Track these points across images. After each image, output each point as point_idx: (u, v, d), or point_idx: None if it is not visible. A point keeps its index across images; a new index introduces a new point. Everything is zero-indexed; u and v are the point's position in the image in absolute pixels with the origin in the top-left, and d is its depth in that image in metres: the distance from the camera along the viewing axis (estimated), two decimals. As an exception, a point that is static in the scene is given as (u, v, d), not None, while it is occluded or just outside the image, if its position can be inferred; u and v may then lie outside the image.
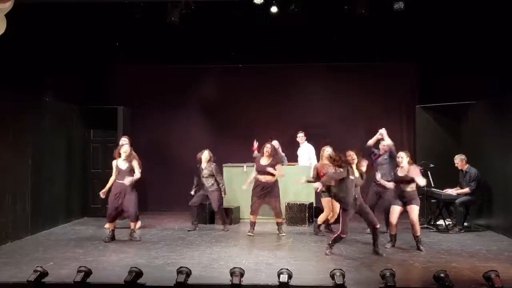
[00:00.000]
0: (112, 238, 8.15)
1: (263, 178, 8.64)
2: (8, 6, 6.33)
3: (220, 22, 11.36)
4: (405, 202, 7.50)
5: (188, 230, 9.00)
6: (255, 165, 8.83)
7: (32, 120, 8.68)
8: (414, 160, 8.05)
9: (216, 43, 11.84)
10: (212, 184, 9.11)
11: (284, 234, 8.65)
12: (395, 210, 7.54)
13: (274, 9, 10.33)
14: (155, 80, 11.96)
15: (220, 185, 9.14)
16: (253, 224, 8.75)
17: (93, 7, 9.87)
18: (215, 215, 9.55)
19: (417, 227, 7.48)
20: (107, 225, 9.24)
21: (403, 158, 7.57)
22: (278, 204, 8.71)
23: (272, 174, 8.62)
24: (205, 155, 9.15)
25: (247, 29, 11.37)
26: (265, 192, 8.59)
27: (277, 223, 8.79)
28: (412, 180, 7.45)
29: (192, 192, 9.22)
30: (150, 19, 10.41)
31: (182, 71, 12.03)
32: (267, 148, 8.71)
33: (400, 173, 7.57)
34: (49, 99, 9.30)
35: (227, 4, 10.18)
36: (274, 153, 8.77)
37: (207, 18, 10.98)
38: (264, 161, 8.70)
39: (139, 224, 8.96)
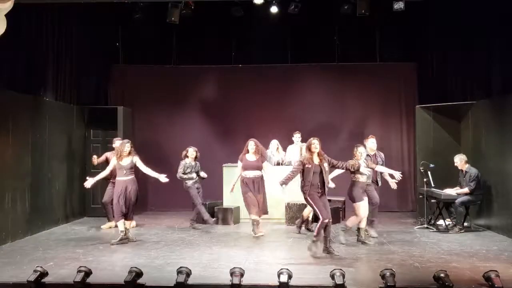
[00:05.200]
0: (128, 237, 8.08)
1: (252, 174, 8.51)
2: (8, 6, 6.33)
3: (220, 22, 11.38)
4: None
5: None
6: (241, 164, 8.60)
7: (32, 120, 8.67)
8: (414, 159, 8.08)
9: (216, 43, 11.85)
10: (195, 181, 9.23)
11: (257, 235, 8.41)
12: None
13: (274, 9, 10.34)
14: (155, 80, 11.96)
15: (201, 175, 9.32)
16: (257, 222, 8.45)
17: (93, 7, 9.88)
18: (197, 209, 9.34)
19: None
20: (105, 226, 9.24)
21: (362, 154, 7.65)
22: (265, 200, 8.60)
23: (261, 169, 8.56)
24: (191, 152, 9.24)
25: (247, 29, 11.39)
26: (256, 187, 8.47)
27: (255, 222, 8.50)
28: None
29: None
30: (150, 19, 10.43)
31: (182, 71, 12.03)
32: (252, 145, 8.59)
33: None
34: (49, 99, 9.29)
35: (227, 4, 10.20)
36: (260, 149, 8.67)
37: (207, 18, 11.00)
38: (252, 158, 8.59)
39: (133, 223, 9.01)
